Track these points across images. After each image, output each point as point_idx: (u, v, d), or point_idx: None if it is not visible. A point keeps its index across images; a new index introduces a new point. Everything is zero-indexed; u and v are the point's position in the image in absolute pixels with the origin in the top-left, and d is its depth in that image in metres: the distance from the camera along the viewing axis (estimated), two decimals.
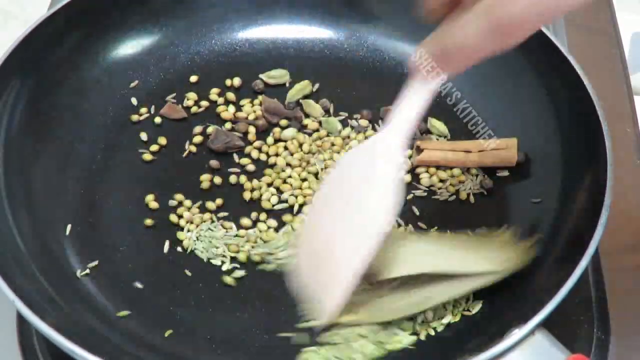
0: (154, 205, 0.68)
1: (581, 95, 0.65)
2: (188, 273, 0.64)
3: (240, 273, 0.64)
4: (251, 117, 0.74)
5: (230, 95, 0.75)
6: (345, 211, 0.56)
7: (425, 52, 0.50)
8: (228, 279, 0.64)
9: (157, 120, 0.73)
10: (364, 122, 0.73)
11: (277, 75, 0.76)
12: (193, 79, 0.76)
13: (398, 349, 0.59)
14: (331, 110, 0.74)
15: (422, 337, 0.60)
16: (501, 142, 0.69)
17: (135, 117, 0.73)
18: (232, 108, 0.74)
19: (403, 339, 0.60)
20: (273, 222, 0.67)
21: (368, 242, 0.54)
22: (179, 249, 0.65)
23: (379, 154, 0.55)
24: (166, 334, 0.61)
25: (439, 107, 0.74)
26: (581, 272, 0.56)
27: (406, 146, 0.55)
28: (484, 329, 0.58)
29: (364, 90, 0.76)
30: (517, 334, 0.53)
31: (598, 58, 0.80)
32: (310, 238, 0.59)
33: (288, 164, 0.70)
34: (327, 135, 0.73)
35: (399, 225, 0.66)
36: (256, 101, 0.75)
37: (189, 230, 0.66)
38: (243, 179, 0.69)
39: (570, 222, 0.62)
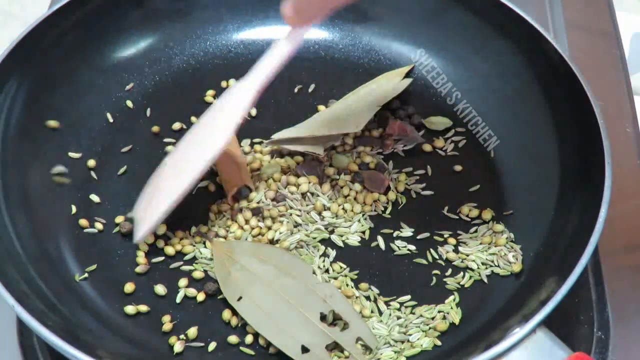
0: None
1: (580, 96, 0.65)
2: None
3: None
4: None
5: None
6: (191, 144, 0.63)
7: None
8: None
9: (155, 129, 0.73)
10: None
11: (438, 122, 0.73)
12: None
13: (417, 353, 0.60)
14: None
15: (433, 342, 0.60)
16: None
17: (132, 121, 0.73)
18: None
19: (423, 343, 0.60)
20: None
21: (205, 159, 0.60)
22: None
23: (229, 93, 0.62)
24: (166, 336, 0.60)
25: (439, 107, 0.74)
26: (581, 271, 0.56)
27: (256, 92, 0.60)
28: (486, 328, 0.59)
29: None
30: (518, 332, 0.53)
31: (598, 58, 0.80)
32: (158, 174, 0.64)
33: None
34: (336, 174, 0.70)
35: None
36: None
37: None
38: None
39: (570, 222, 0.62)
